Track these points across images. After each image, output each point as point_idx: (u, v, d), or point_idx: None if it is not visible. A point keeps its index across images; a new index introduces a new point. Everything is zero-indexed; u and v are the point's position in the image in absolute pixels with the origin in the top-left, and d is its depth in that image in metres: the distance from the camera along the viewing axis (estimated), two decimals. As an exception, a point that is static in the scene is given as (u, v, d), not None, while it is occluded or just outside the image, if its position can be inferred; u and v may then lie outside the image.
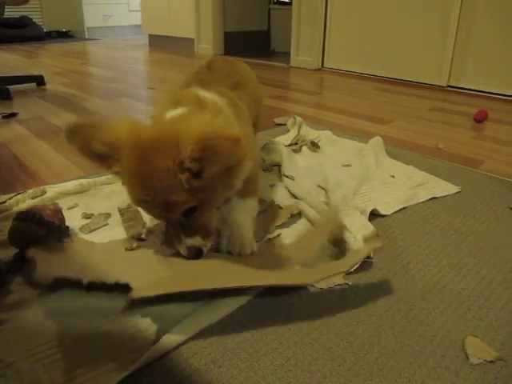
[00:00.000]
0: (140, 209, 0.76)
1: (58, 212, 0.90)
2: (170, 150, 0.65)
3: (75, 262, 0.78)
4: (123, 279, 0.72)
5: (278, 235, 0.93)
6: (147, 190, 0.67)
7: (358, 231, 0.91)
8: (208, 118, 0.71)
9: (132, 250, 0.84)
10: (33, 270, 0.77)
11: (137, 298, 0.68)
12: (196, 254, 0.75)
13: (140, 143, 0.68)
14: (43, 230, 0.83)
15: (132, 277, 0.73)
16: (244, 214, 0.89)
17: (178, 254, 0.79)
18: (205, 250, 0.77)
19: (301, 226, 0.99)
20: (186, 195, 0.67)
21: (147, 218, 0.97)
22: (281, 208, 1.04)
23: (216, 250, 0.85)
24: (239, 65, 1.14)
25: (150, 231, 0.92)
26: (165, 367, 0.61)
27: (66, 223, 0.91)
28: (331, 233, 0.91)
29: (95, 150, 0.68)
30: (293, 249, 0.86)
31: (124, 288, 0.71)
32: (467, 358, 0.63)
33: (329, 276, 0.75)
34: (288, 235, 0.94)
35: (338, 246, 0.90)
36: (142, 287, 0.70)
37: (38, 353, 0.63)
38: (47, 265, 0.76)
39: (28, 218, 0.82)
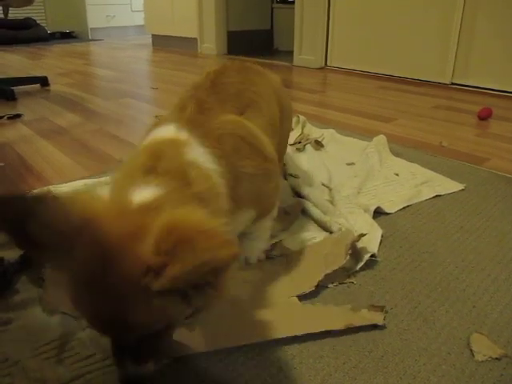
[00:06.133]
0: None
1: None
2: (136, 250, 0.45)
3: None
4: None
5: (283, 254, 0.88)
6: (101, 304, 0.46)
7: (362, 229, 0.91)
8: (191, 208, 0.52)
9: None
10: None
11: None
12: (133, 382, 0.52)
13: (100, 238, 0.47)
14: None
15: None
16: (258, 227, 0.86)
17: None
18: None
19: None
20: (153, 312, 0.46)
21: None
22: (287, 213, 1.03)
23: None
24: (254, 78, 0.88)
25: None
26: (171, 365, 0.61)
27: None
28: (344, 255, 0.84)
29: (34, 234, 0.47)
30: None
31: None
32: (472, 355, 0.63)
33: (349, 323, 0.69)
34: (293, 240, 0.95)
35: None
36: None
37: (45, 351, 0.64)
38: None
39: None
